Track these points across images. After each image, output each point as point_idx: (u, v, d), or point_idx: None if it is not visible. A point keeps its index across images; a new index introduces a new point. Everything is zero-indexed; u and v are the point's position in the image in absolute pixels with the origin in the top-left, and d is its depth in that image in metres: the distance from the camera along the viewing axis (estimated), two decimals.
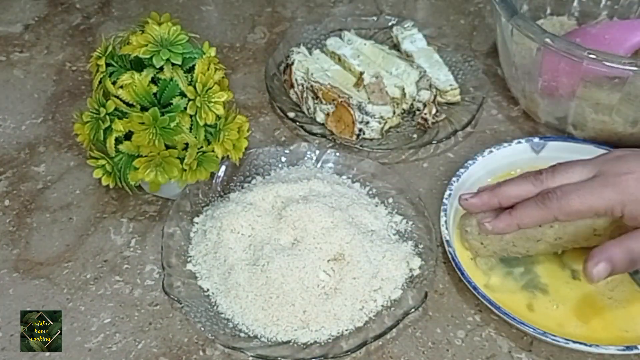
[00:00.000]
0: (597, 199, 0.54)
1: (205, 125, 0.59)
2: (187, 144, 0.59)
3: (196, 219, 0.64)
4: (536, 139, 0.67)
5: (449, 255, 0.58)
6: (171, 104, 0.58)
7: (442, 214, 0.61)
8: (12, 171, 0.70)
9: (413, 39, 0.80)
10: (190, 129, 0.58)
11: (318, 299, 0.57)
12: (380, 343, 0.57)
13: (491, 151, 0.66)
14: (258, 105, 0.78)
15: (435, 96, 0.73)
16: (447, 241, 0.59)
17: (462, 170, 0.64)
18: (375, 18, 0.84)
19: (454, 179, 0.63)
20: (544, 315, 0.57)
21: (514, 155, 0.67)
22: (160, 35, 0.57)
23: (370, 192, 0.67)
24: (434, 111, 0.73)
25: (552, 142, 0.67)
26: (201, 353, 0.56)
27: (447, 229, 0.60)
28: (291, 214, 0.60)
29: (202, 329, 0.56)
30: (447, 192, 0.62)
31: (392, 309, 0.58)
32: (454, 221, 0.63)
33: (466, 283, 0.57)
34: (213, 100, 0.59)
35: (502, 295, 0.58)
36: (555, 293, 0.59)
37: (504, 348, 0.57)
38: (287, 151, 0.69)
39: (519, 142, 0.67)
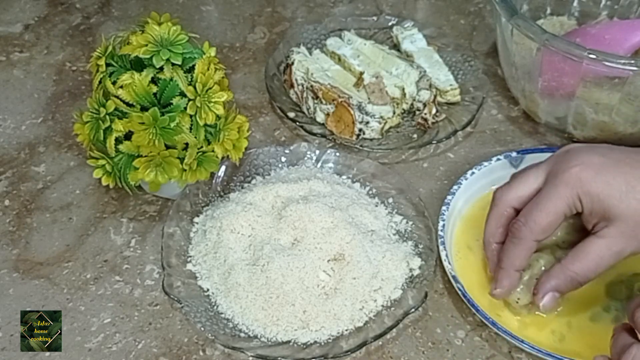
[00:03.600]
0: (556, 201, 0.53)
1: (205, 125, 0.59)
2: (187, 144, 0.59)
3: (196, 219, 0.64)
4: (514, 154, 0.67)
5: (459, 292, 0.57)
6: (171, 104, 0.58)
7: (442, 247, 0.59)
8: (12, 171, 0.70)
9: (413, 39, 0.80)
10: (190, 129, 0.58)
11: (318, 299, 0.57)
12: (380, 343, 0.57)
13: (473, 172, 0.65)
14: (258, 105, 0.78)
15: (435, 96, 0.73)
16: (453, 277, 0.57)
17: (449, 197, 0.63)
18: (375, 18, 0.84)
19: (444, 207, 0.62)
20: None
21: (494, 172, 0.66)
22: (160, 35, 0.57)
23: (370, 192, 0.67)
24: (434, 111, 0.73)
25: (530, 155, 0.67)
26: (201, 353, 0.56)
27: (449, 262, 0.58)
28: (291, 214, 0.60)
29: (202, 329, 0.56)
30: (440, 223, 0.61)
31: (392, 309, 0.58)
32: (457, 253, 0.62)
33: (482, 319, 0.56)
34: (213, 100, 0.59)
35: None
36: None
37: (504, 348, 0.57)
38: (287, 151, 0.69)
39: (498, 159, 0.67)
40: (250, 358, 0.55)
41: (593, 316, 0.58)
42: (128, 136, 0.58)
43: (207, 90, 0.58)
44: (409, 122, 0.75)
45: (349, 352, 0.55)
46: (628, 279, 0.60)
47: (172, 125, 0.57)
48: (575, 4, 0.80)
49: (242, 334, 0.56)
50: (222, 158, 0.62)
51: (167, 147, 0.58)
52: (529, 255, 0.55)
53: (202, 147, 0.60)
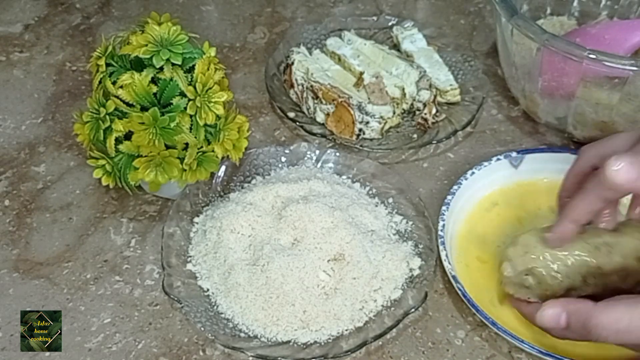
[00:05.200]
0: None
1: (205, 125, 0.59)
2: (187, 144, 0.59)
3: (196, 219, 0.64)
4: (514, 154, 0.67)
5: (459, 292, 0.57)
6: (171, 104, 0.58)
7: (442, 247, 0.59)
8: (12, 171, 0.70)
9: (413, 39, 0.80)
10: (190, 129, 0.58)
11: (318, 299, 0.57)
12: (380, 343, 0.57)
13: (473, 172, 0.65)
14: (258, 105, 0.78)
15: (435, 96, 0.73)
16: (453, 277, 0.57)
17: (449, 197, 0.63)
18: (375, 18, 0.84)
19: (444, 207, 0.62)
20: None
21: (494, 172, 0.66)
22: (160, 35, 0.57)
23: (370, 192, 0.67)
24: (434, 111, 0.73)
25: (530, 155, 0.67)
26: (201, 353, 0.56)
27: (449, 263, 0.58)
28: (291, 214, 0.60)
29: (202, 329, 0.56)
30: (441, 222, 0.61)
31: (392, 309, 0.58)
32: (457, 253, 0.62)
33: (482, 319, 0.56)
34: (213, 100, 0.59)
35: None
36: None
37: (504, 348, 0.57)
38: (287, 151, 0.69)
39: (498, 159, 0.67)
40: (250, 358, 0.55)
41: None
42: (128, 136, 0.58)
43: (207, 90, 0.58)
44: (409, 122, 0.75)
45: (349, 352, 0.55)
46: None
47: (172, 125, 0.57)
48: (575, 4, 0.80)
49: (242, 334, 0.56)
50: (222, 158, 0.62)
51: (167, 147, 0.58)
52: (590, 210, 0.51)
53: (202, 147, 0.60)
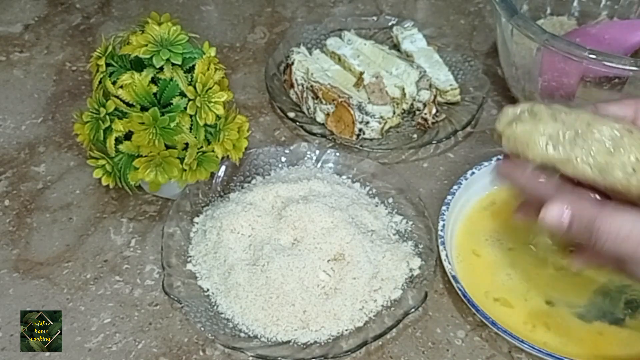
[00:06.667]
0: None
1: (205, 125, 0.59)
2: (187, 144, 0.59)
3: (196, 219, 0.64)
4: None
5: (459, 292, 0.57)
6: (171, 104, 0.58)
7: (442, 247, 0.59)
8: (12, 171, 0.70)
9: (413, 39, 0.80)
10: (190, 129, 0.58)
11: (318, 299, 0.57)
12: (380, 343, 0.57)
13: (473, 172, 0.65)
14: (258, 105, 0.78)
15: (435, 96, 0.73)
16: (453, 277, 0.57)
17: (449, 197, 0.63)
18: (375, 18, 0.84)
19: (444, 207, 0.62)
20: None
21: (494, 172, 0.66)
22: (160, 35, 0.57)
23: (370, 192, 0.67)
24: (434, 111, 0.73)
25: None
26: (201, 353, 0.56)
27: (449, 262, 0.58)
28: (291, 214, 0.60)
29: (202, 329, 0.56)
30: (441, 222, 0.61)
31: (392, 309, 0.58)
32: (456, 253, 0.62)
33: (482, 319, 0.56)
34: (213, 100, 0.59)
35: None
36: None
37: (504, 348, 0.57)
38: (287, 151, 0.69)
39: (498, 159, 0.66)
40: (250, 358, 0.55)
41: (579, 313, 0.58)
42: (128, 136, 0.58)
43: (207, 90, 0.58)
44: (409, 122, 0.75)
45: (349, 352, 0.55)
46: (616, 289, 0.59)
47: (172, 125, 0.57)
48: (575, 4, 0.80)
49: (242, 334, 0.56)
50: (222, 158, 0.62)
51: (167, 147, 0.58)
52: None
53: (202, 147, 0.60)
